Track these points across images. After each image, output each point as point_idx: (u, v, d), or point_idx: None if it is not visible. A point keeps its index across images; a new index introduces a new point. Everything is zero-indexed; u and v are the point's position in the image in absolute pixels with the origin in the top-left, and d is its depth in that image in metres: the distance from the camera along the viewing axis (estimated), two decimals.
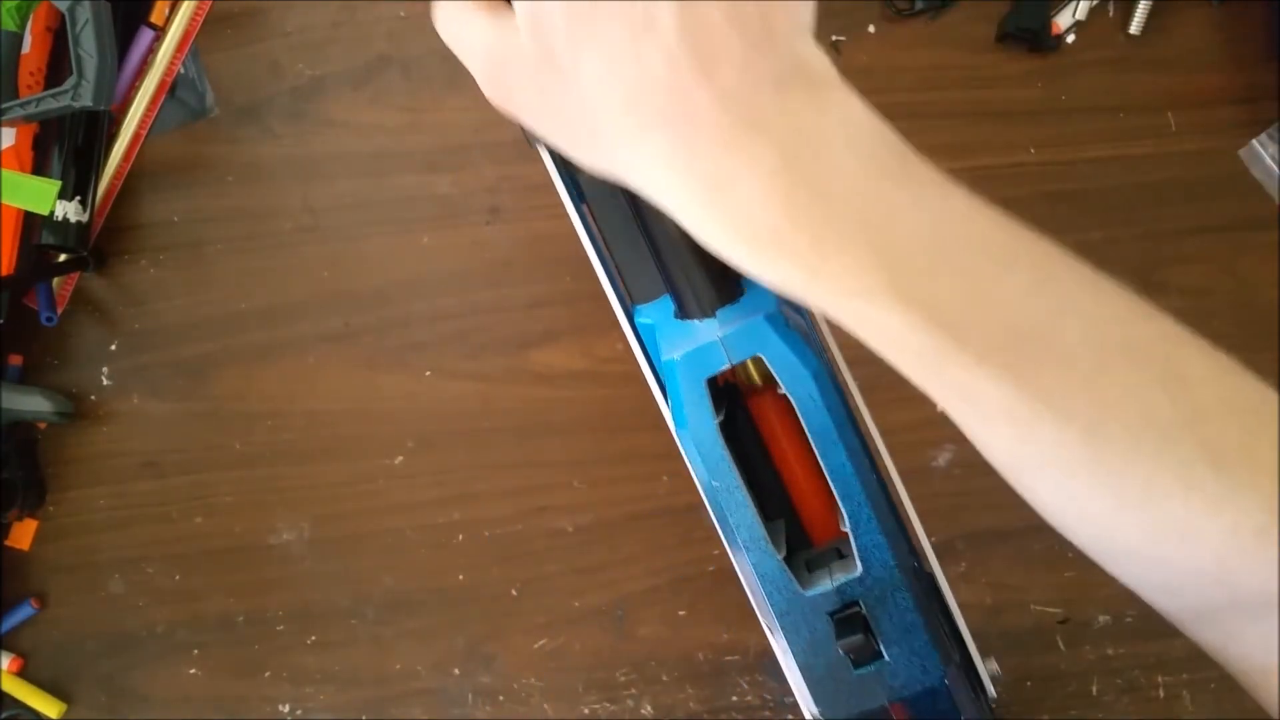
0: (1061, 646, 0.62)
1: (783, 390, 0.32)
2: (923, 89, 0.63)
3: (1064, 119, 0.63)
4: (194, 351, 0.64)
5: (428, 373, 0.63)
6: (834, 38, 0.62)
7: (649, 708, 0.63)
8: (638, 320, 0.35)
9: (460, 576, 0.63)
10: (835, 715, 0.33)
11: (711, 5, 0.23)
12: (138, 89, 0.62)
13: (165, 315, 0.64)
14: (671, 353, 0.32)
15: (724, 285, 0.32)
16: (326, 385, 0.63)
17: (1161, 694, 0.62)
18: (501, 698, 0.63)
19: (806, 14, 0.25)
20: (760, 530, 0.32)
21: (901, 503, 0.36)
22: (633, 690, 0.63)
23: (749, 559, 0.33)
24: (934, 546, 0.58)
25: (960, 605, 0.61)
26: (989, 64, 0.63)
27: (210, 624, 0.63)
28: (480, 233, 0.63)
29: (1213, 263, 0.62)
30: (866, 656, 0.32)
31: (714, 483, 0.32)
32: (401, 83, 0.63)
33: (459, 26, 0.28)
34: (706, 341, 0.32)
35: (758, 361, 0.33)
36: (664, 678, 0.63)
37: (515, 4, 0.26)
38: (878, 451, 0.35)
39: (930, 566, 0.37)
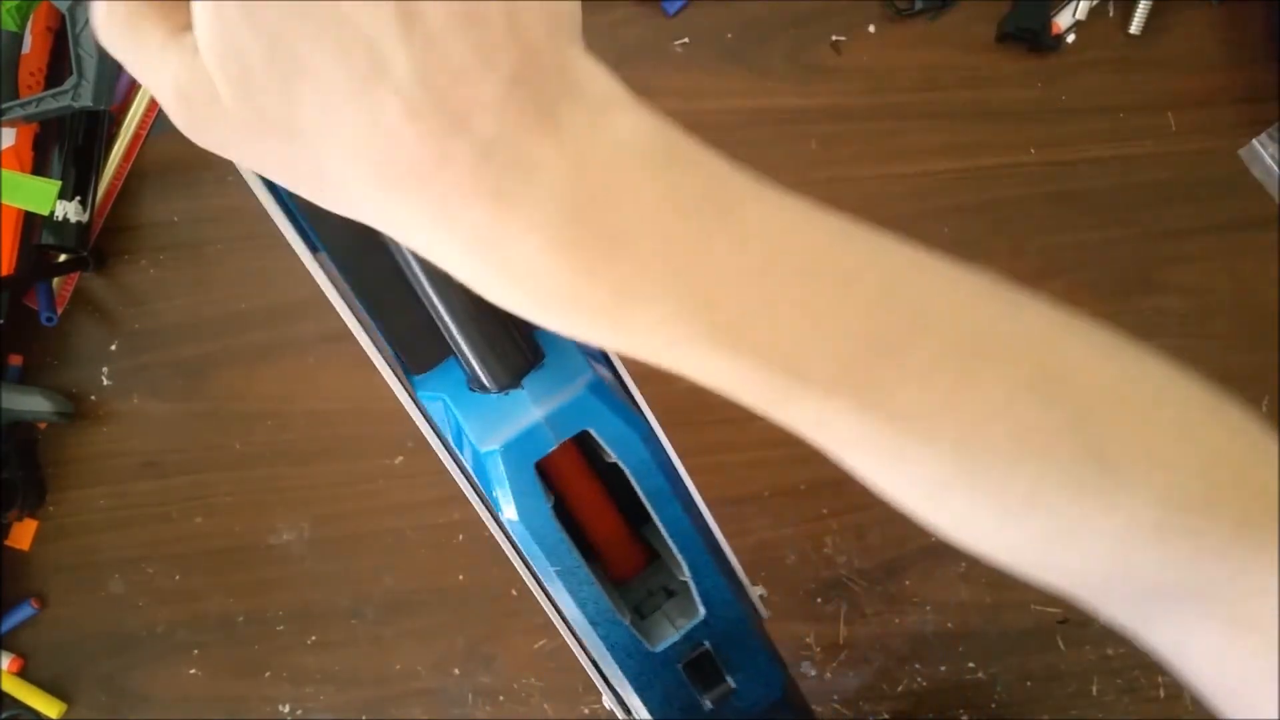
0: (1061, 646, 0.62)
1: (612, 459, 0.29)
2: (923, 89, 0.63)
3: (1064, 119, 0.63)
4: (194, 351, 0.64)
5: None
6: (834, 38, 0.62)
7: None
8: (420, 395, 0.31)
9: (460, 576, 0.63)
10: None
11: (450, 36, 0.18)
12: (138, 89, 0.62)
13: (165, 315, 0.64)
14: (487, 442, 0.28)
15: (524, 349, 0.28)
16: (326, 385, 0.63)
17: (1161, 694, 0.62)
18: (501, 698, 0.63)
19: (569, 22, 0.20)
20: (607, 601, 0.31)
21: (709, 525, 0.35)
22: None
23: (598, 633, 0.32)
24: (933, 546, 0.58)
25: (960, 605, 0.62)
26: (989, 64, 0.63)
27: (210, 624, 0.63)
28: None
29: (1213, 263, 0.62)
30: (723, 694, 0.33)
31: (554, 568, 0.30)
32: None
33: (128, 46, 0.21)
34: (529, 425, 0.28)
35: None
36: None
37: (195, 30, 0.19)
38: (691, 493, 0.34)
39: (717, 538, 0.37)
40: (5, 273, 0.58)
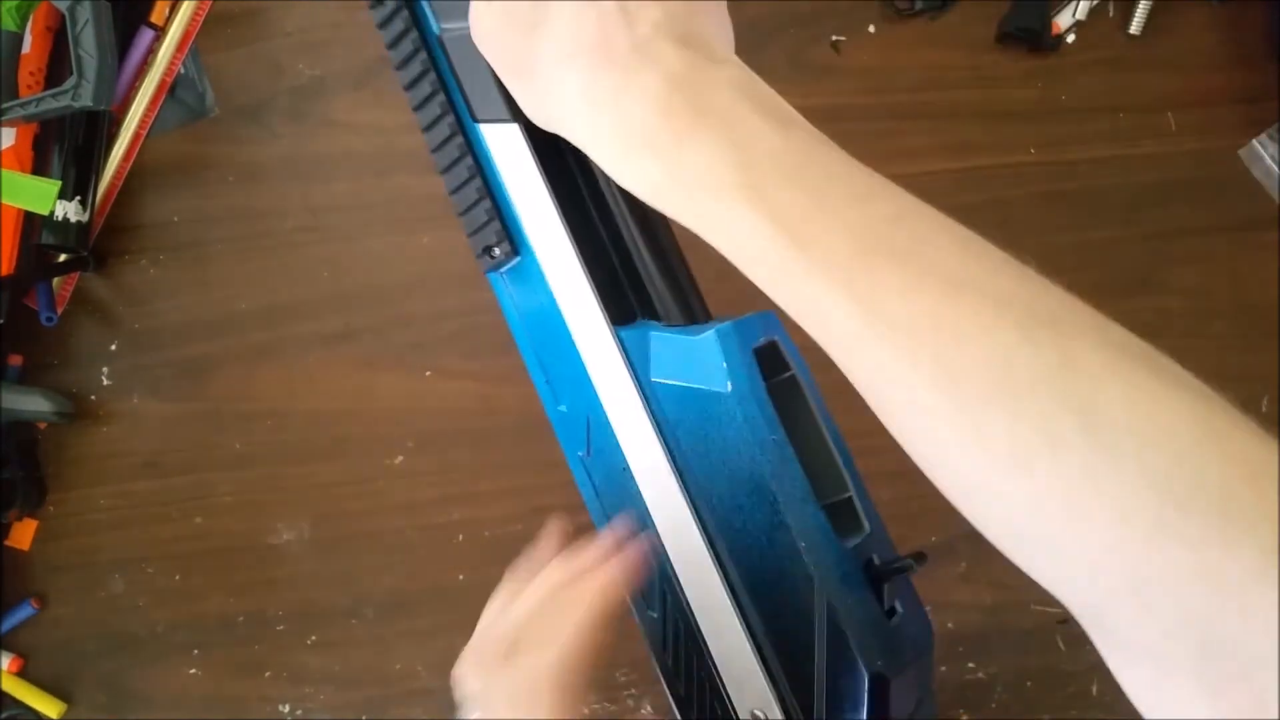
0: (1061, 646, 0.62)
1: (790, 373, 0.34)
2: (923, 89, 0.63)
3: (1064, 119, 0.63)
4: (194, 351, 0.64)
5: (428, 373, 0.63)
6: (834, 38, 0.62)
7: (649, 708, 0.63)
8: (622, 333, 0.36)
9: (460, 576, 0.63)
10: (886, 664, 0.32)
11: None
12: (138, 89, 0.62)
13: (165, 315, 0.64)
14: (706, 330, 0.34)
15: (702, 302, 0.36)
16: (326, 385, 0.63)
17: None
18: None
19: (722, 20, 0.32)
20: (808, 483, 0.33)
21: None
22: (633, 690, 0.63)
23: (806, 511, 0.33)
24: (934, 546, 0.58)
25: (960, 605, 0.62)
26: (989, 64, 0.63)
27: (210, 624, 0.63)
28: None
29: (1213, 263, 0.62)
30: (891, 611, 0.33)
31: (771, 437, 0.33)
32: None
33: None
34: (742, 318, 0.34)
35: None
36: None
37: None
38: None
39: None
40: (5, 273, 0.58)
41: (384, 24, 0.37)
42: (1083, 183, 0.63)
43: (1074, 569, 0.24)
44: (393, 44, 0.37)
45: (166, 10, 0.62)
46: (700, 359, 0.34)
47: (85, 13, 0.54)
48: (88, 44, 0.54)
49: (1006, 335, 0.23)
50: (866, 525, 0.34)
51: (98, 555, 0.64)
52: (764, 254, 0.27)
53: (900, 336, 0.25)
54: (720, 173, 0.27)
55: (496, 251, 0.38)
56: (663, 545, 0.36)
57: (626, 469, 0.37)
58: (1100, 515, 0.22)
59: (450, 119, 0.36)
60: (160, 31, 0.62)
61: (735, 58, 0.30)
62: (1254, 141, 0.62)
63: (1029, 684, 0.62)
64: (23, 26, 0.57)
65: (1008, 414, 0.23)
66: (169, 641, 0.63)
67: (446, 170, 0.37)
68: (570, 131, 0.31)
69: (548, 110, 0.31)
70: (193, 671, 0.63)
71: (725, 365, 0.33)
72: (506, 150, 0.36)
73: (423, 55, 0.36)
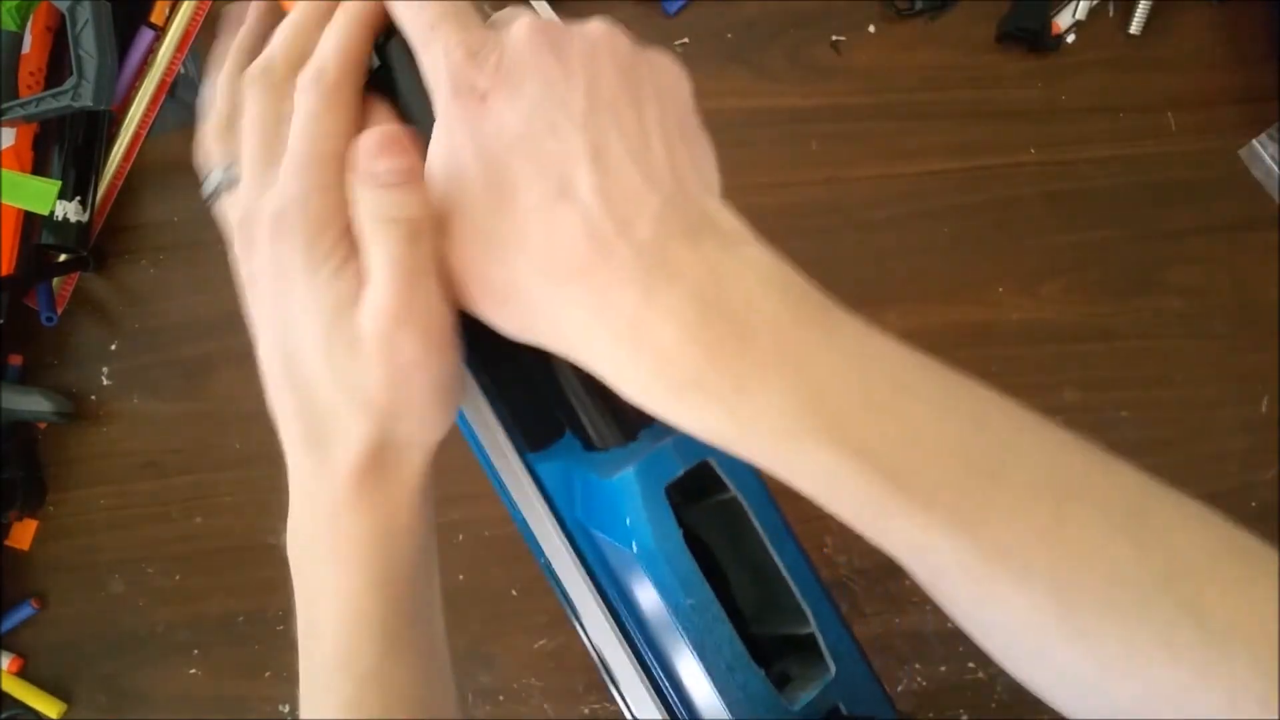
0: None
1: (730, 494, 0.30)
2: (923, 89, 0.63)
3: (1064, 119, 0.63)
4: (194, 351, 0.64)
5: None
6: (834, 38, 0.62)
7: None
8: (539, 467, 0.33)
9: (460, 576, 0.63)
10: None
11: (626, 166, 0.24)
12: (138, 89, 0.62)
13: (165, 315, 0.64)
14: (616, 472, 0.29)
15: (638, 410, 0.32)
16: None
17: None
18: (501, 698, 0.63)
19: (713, 176, 0.27)
20: (741, 646, 0.29)
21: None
22: None
23: (735, 681, 0.29)
24: None
25: None
26: (989, 64, 0.63)
27: (210, 624, 0.63)
28: None
29: (1213, 263, 0.62)
30: None
31: (688, 601, 0.29)
32: None
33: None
34: (657, 449, 0.29)
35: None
36: None
37: (429, 179, 0.26)
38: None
39: None
40: (5, 273, 0.58)
41: None
42: (1083, 183, 0.63)
43: None
44: None
45: (166, 10, 0.62)
46: (602, 504, 0.30)
47: (85, 13, 0.54)
48: (88, 44, 0.54)
49: (1115, 546, 0.23)
50: (832, 666, 0.30)
51: (98, 555, 0.64)
52: (854, 492, 0.24)
53: (1013, 562, 0.23)
54: (792, 415, 0.23)
55: None
56: (620, 691, 0.33)
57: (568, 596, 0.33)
58: (1211, 702, 0.22)
59: None
60: (160, 31, 0.62)
61: (741, 226, 0.26)
62: (1254, 141, 0.62)
63: None
64: (23, 26, 0.57)
65: (1123, 624, 0.23)
66: (169, 641, 0.63)
67: None
68: (580, 360, 0.26)
69: (537, 334, 0.26)
70: (193, 671, 0.63)
71: (628, 520, 0.29)
72: None
73: None
